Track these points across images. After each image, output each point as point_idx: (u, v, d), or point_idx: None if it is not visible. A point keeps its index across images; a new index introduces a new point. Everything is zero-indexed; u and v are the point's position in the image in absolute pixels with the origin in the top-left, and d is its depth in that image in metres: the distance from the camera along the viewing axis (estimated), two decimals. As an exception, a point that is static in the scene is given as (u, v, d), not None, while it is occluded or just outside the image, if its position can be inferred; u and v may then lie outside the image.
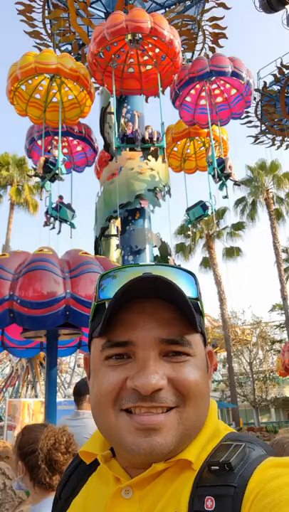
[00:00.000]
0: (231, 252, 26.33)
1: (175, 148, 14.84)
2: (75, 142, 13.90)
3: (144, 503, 0.67)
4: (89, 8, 13.22)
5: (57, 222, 12.14)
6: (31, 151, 13.50)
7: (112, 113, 12.48)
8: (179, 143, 14.72)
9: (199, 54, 14.80)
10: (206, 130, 12.98)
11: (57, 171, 11.12)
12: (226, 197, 12.25)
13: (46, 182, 11.46)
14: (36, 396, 19.84)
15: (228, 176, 12.04)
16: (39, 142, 12.67)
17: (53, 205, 12.01)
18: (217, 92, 12.78)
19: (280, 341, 28.21)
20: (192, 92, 12.57)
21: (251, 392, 28.54)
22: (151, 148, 11.17)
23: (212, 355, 0.78)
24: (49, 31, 14.45)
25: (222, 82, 12.50)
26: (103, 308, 0.70)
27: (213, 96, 12.56)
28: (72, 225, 12.37)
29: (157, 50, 11.03)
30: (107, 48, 10.92)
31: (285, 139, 19.31)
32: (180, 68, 11.59)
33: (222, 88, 12.73)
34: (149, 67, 11.68)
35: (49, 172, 11.28)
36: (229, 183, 12.34)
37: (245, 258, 49.18)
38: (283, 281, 25.07)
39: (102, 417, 0.69)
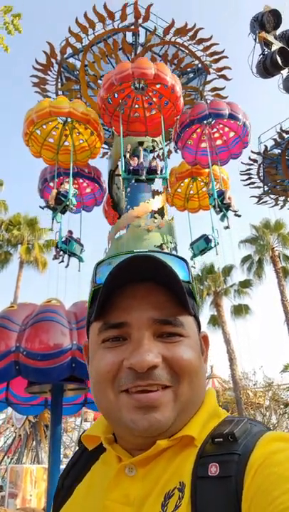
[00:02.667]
0: (240, 310, 26.02)
1: (179, 190, 15.77)
2: (84, 184, 14.79)
3: (147, 480, 0.67)
4: (99, 81, 14.27)
5: (66, 256, 12.60)
6: (43, 192, 14.14)
7: (120, 175, 13.06)
8: (182, 184, 15.66)
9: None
10: (207, 170, 13.69)
11: (68, 203, 11.70)
12: (227, 227, 12.53)
13: (57, 214, 12.02)
14: (39, 463, 18.85)
15: (228, 207, 12.45)
16: (51, 184, 13.34)
17: (63, 239, 12.39)
18: (217, 135, 13.60)
19: (294, 404, 26.98)
20: (194, 136, 13.41)
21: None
22: (157, 209, 11.52)
23: (207, 339, 0.80)
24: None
25: (221, 125, 13.36)
26: (99, 293, 0.72)
27: (213, 139, 13.34)
28: (80, 259, 12.84)
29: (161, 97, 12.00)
30: (115, 95, 11.86)
31: (288, 198, 19.84)
32: (182, 112, 12.56)
33: (221, 132, 13.58)
34: (153, 111, 12.63)
35: (60, 204, 11.86)
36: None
37: (254, 316, 48.51)
38: (294, 340, 24.47)
39: (102, 397, 0.71)
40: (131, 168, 11.49)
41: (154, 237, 11.44)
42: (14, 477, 11.87)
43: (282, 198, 19.86)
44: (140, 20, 13.41)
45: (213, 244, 12.75)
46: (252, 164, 18.21)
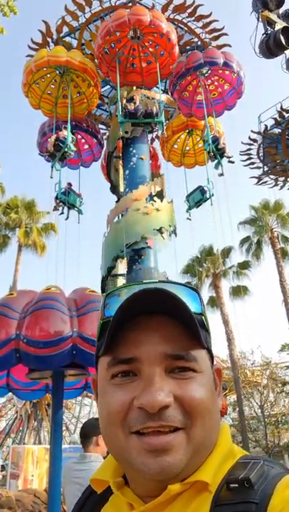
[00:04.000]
0: (238, 291, 26.15)
1: (175, 146, 16.00)
2: (83, 141, 14.95)
3: None
4: (96, 60, 13.96)
5: (65, 209, 12.84)
6: (42, 146, 14.15)
7: (119, 157, 12.92)
8: (178, 140, 15.89)
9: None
10: (202, 122, 13.74)
11: (66, 149, 11.88)
12: (221, 174, 12.66)
13: (56, 161, 12.23)
14: (40, 443, 19.18)
15: (222, 153, 12.55)
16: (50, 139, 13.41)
17: (62, 191, 12.51)
18: (212, 87, 13.62)
19: (292, 383, 27.40)
20: (189, 88, 13.42)
21: (263, 437, 27.43)
22: (157, 189, 11.45)
23: (220, 372, 0.78)
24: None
25: (216, 77, 13.38)
26: (108, 326, 0.70)
27: (209, 91, 13.35)
28: (79, 211, 13.13)
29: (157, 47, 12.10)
30: (112, 45, 11.90)
31: (288, 179, 19.68)
32: (177, 61, 12.69)
33: (216, 83, 13.63)
34: (149, 61, 12.74)
35: (59, 150, 11.98)
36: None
37: (252, 297, 48.79)
38: (292, 320, 24.67)
39: (112, 438, 0.68)
40: (127, 112, 11.58)
41: (153, 221, 11.37)
42: (16, 458, 12.06)
43: (281, 179, 19.71)
44: (138, -3, 13.07)
45: (208, 195, 12.96)
46: (252, 144, 17.99)
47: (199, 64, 12.47)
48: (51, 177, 12.94)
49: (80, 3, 12.98)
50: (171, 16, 13.44)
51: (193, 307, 0.70)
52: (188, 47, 14.43)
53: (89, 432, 3.45)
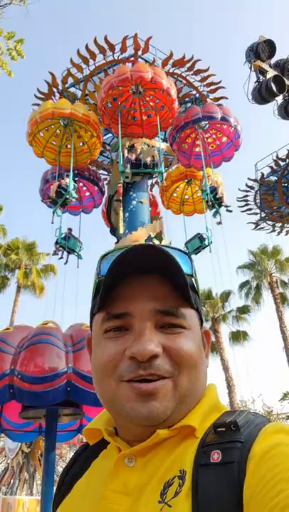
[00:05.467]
0: (238, 336, 25.80)
1: (174, 194, 16.46)
2: (84, 188, 15.33)
3: (146, 469, 0.67)
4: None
5: (65, 254, 12.99)
6: (45, 193, 14.45)
7: (119, 200, 13.23)
8: (178, 189, 16.34)
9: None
10: (201, 173, 14.07)
11: (67, 196, 12.14)
12: (219, 223, 12.74)
13: (58, 207, 12.46)
14: (32, 494, 18.19)
15: (220, 203, 12.80)
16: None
17: (62, 236, 12.71)
18: (210, 140, 14.04)
19: (294, 433, 26.38)
20: (188, 140, 13.87)
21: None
22: (156, 231, 11.64)
23: (208, 334, 0.81)
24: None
25: (214, 131, 13.83)
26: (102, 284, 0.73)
27: (207, 143, 13.78)
28: (79, 256, 13.22)
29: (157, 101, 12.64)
30: (114, 98, 12.41)
31: (285, 225, 20.00)
32: (177, 115, 13.20)
33: (214, 137, 14.05)
34: (149, 115, 13.23)
35: (61, 197, 12.28)
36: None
37: (252, 343, 48.00)
38: (293, 367, 24.16)
39: (103, 386, 0.71)
40: (128, 161, 11.88)
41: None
42: (6, 509, 11.46)
43: (279, 225, 20.02)
44: (140, 52, 13.83)
45: (206, 243, 13.04)
46: (249, 191, 18.44)
47: (198, 118, 13.01)
48: (52, 222, 13.25)
49: (85, 57, 13.76)
50: (171, 70, 14.21)
51: (183, 268, 0.72)
52: (187, 99, 15.16)
53: None
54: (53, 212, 12.67)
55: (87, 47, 13.50)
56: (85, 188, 15.39)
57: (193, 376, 0.70)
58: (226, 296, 26.67)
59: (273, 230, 20.47)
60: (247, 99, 12.78)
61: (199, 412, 0.70)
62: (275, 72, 12.68)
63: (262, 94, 12.46)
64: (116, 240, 13.07)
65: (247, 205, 18.85)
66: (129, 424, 0.69)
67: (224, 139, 14.01)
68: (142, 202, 12.75)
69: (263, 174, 17.91)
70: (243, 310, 26.98)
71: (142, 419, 0.66)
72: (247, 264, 26.96)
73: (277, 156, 17.34)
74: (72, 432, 5.92)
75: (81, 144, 13.67)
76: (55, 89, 14.48)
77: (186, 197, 16.69)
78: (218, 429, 0.64)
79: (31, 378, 3.94)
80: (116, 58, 13.81)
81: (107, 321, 0.72)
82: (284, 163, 17.20)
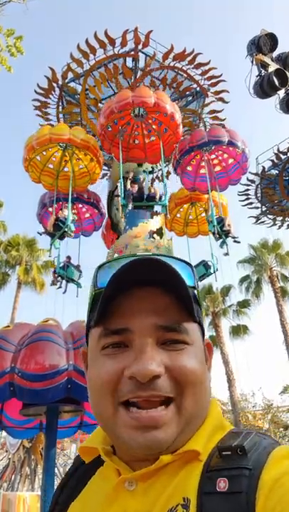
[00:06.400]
0: (238, 330, 25.85)
1: (178, 215, 15.74)
2: (83, 209, 14.74)
3: (148, 495, 0.63)
4: (99, 104, 14.51)
5: (64, 282, 12.47)
6: (42, 217, 14.08)
7: (119, 195, 13.16)
8: (181, 210, 15.65)
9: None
10: (206, 196, 13.64)
11: (66, 229, 11.64)
12: (226, 254, 12.58)
13: (56, 240, 11.97)
14: (33, 490, 18.28)
15: (227, 234, 12.43)
16: (50, 210, 13.26)
17: (61, 265, 12.32)
18: (216, 161, 13.61)
19: (294, 426, 26.54)
20: (193, 162, 13.43)
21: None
22: (156, 229, 11.58)
23: (210, 346, 0.77)
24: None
25: (220, 152, 13.36)
26: (100, 297, 0.68)
27: (212, 165, 13.34)
28: (78, 285, 12.67)
29: (160, 124, 12.06)
30: (115, 122, 11.94)
31: (286, 219, 19.95)
32: (181, 138, 12.57)
33: (220, 158, 13.60)
34: (152, 138, 12.68)
35: (59, 230, 11.82)
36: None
37: (252, 337, 48.15)
38: (293, 361, 24.22)
39: (100, 409, 0.67)
40: (130, 194, 11.52)
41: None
42: (6, 505, 11.50)
43: (279, 219, 19.97)
44: (140, 46, 13.69)
45: (212, 271, 12.71)
46: (250, 185, 18.38)
47: (203, 143, 12.47)
48: (50, 256, 12.87)
49: (85, 51, 13.62)
50: (172, 64, 14.09)
51: (186, 280, 0.68)
52: (187, 92, 15.03)
53: None
54: (51, 245, 12.21)
55: (87, 41, 13.37)
56: (84, 209, 14.73)
57: (198, 395, 0.66)
58: (226, 290, 26.67)
59: (274, 224, 20.42)
60: (248, 93, 12.64)
61: (203, 434, 0.67)
62: (277, 66, 12.52)
63: (264, 88, 12.30)
64: (117, 236, 13.04)
65: (248, 199, 18.79)
66: (128, 449, 0.65)
67: (230, 160, 13.52)
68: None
69: (264, 168, 17.83)
70: (244, 304, 27.01)
71: (143, 449, 0.63)
72: (247, 259, 26.93)
73: (278, 150, 17.26)
74: (73, 428, 5.93)
75: (80, 167, 13.03)
76: (55, 85, 14.36)
77: (190, 217, 16.00)
78: (224, 453, 0.61)
79: (32, 376, 3.93)
80: (116, 53, 13.68)
81: (105, 337, 0.68)
82: (285, 156, 17.12)
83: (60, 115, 15.43)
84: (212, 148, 12.90)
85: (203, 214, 15.13)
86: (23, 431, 5.74)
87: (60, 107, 15.28)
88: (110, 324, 0.67)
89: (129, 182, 12.00)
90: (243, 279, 27.38)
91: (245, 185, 18.32)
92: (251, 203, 18.99)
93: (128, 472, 0.66)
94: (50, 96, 14.79)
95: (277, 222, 20.15)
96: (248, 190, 18.48)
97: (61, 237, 12.07)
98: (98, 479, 0.73)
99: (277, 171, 17.53)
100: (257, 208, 19.25)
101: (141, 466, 0.65)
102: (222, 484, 0.57)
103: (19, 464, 19.64)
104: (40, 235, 12.87)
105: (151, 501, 0.62)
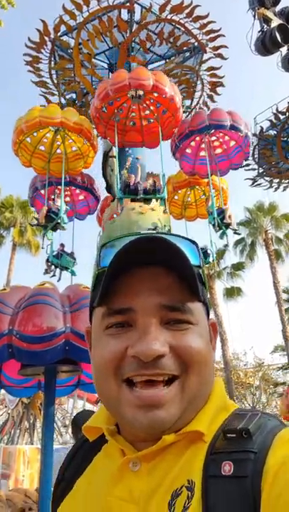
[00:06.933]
0: (232, 292, 26.25)
1: (176, 197, 15.20)
2: (77, 191, 14.14)
3: (152, 475, 0.64)
4: (93, 60, 13.94)
5: (57, 270, 12.24)
6: (34, 201, 13.69)
7: (114, 156, 12.88)
8: (179, 191, 15.09)
9: (198, 102, 15.50)
10: (206, 180, 13.18)
11: (59, 221, 11.27)
12: (226, 245, 12.52)
13: (48, 231, 11.61)
14: (33, 444, 19.05)
15: (228, 226, 12.23)
16: (42, 192, 12.83)
17: (54, 253, 12.09)
18: (216, 143, 13.12)
19: (283, 383, 27.52)
20: (192, 144, 12.88)
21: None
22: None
23: (215, 327, 0.76)
24: (55, 81, 15.15)
25: (221, 134, 12.85)
26: (103, 276, 0.67)
27: (213, 148, 12.81)
28: (72, 273, 12.44)
29: (158, 105, 11.49)
30: (110, 103, 11.33)
31: (283, 181, 19.77)
32: (180, 123, 11.95)
33: (221, 140, 13.09)
34: (150, 120, 12.12)
35: (51, 221, 11.39)
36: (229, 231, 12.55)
37: (245, 298, 48.96)
38: (285, 322, 24.79)
39: (104, 387, 0.67)
40: (127, 187, 11.13)
41: (148, 220, 11.37)
42: (7, 458, 11.99)
43: (276, 181, 19.79)
44: (135, -3, 13.05)
45: (210, 259, 12.62)
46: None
47: (204, 127, 11.89)
48: (42, 247, 12.47)
49: (78, 3, 12.94)
50: (169, 17, 13.45)
51: (191, 259, 0.67)
52: (185, 48, 14.44)
53: (81, 421, 3.42)
54: (43, 235, 11.89)
55: (80, -10, 12.69)
56: (78, 191, 14.08)
57: (203, 374, 0.66)
58: (221, 253, 26.82)
59: (271, 187, 20.26)
60: (248, 50, 12.18)
61: (207, 415, 0.67)
62: (280, 21, 11.96)
63: (266, 45, 11.79)
64: (112, 198, 12.90)
65: (245, 160, 18.52)
66: (131, 428, 0.66)
67: (232, 143, 12.95)
68: (137, 158, 12.42)
69: (262, 128, 17.47)
70: (238, 267, 27.27)
71: (146, 429, 0.63)
72: (243, 222, 26.93)
73: (277, 110, 16.86)
74: (70, 386, 6.09)
75: (74, 149, 12.39)
76: (46, 38, 13.72)
77: (188, 199, 15.49)
78: (229, 435, 0.61)
79: (30, 338, 3.98)
80: (110, 4, 13.01)
81: (108, 317, 0.67)
82: (284, 116, 16.74)
83: (53, 71, 14.86)
84: (212, 130, 12.39)
85: (203, 196, 14.77)
86: (22, 390, 5.88)
87: (53, 63, 14.67)
88: (113, 304, 0.67)
89: (125, 171, 11.55)
90: (237, 242, 27.49)
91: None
92: (248, 165, 18.74)
93: (132, 452, 0.67)
94: (42, 50, 14.16)
95: (273, 185, 19.99)
96: (246, 158, 18.18)
97: (54, 229, 11.67)
98: (103, 457, 0.74)
99: (275, 132, 17.19)
100: (254, 169, 19.03)
101: (145, 447, 0.66)
102: (227, 468, 0.57)
103: (18, 419, 20.36)
104: (32, 226, 12.50)
105: (156, 482, 0.63)
